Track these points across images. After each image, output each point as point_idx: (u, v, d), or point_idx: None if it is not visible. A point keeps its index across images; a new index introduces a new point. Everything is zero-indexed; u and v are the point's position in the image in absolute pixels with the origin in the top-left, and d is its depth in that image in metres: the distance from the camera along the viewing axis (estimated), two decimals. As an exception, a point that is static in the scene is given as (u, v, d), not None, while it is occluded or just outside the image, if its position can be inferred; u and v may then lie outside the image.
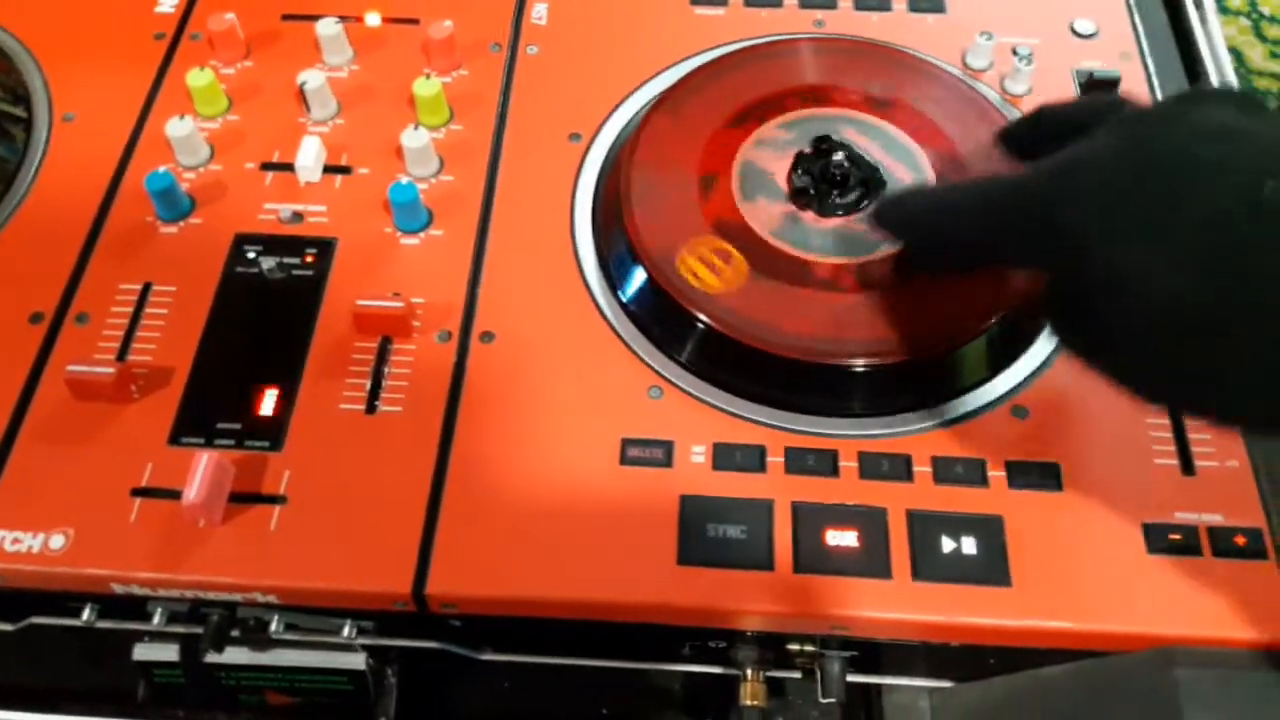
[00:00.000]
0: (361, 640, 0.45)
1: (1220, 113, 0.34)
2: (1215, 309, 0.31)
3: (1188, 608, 0.41)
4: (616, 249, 0.50)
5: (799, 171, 0.50)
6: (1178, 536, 0.42)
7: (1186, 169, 0.32)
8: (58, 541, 0.42)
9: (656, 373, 0.47)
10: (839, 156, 0.50)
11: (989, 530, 0.42)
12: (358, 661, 0.46)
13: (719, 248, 0.46)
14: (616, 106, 0.56)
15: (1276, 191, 0.30)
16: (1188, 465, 0.44)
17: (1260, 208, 0.30)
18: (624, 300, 0.49)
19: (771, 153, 0.51)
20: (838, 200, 0.49)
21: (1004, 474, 0.44)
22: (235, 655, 0.46)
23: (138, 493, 0.43)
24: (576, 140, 0.55)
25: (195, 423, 0.45)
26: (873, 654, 0.45)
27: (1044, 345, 0.48)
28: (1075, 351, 0.38)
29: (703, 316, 0.46)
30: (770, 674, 0.46)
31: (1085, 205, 0.34)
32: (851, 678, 0.45)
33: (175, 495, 0.42)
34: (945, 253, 0.43)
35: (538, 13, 0.60)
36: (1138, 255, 0.32)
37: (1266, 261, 0.30)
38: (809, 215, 0.49)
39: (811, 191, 0.49)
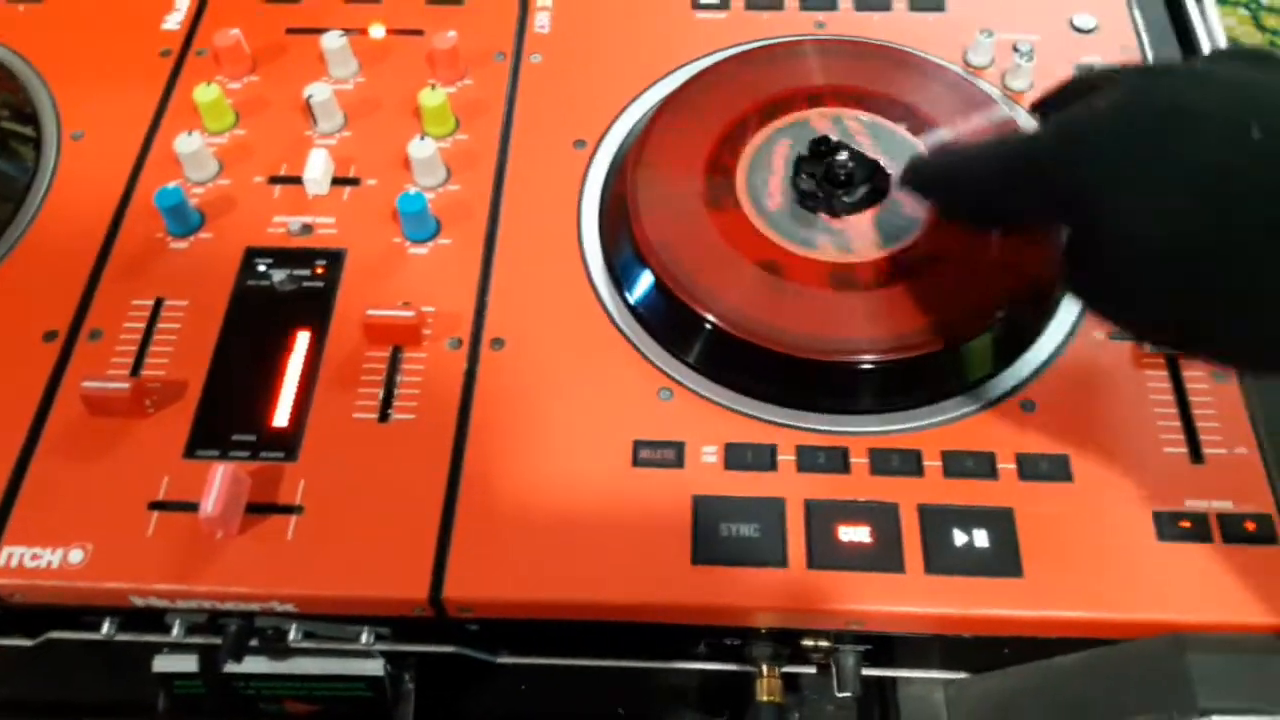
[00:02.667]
0: (379, 646, 0.45)
1: (1219, 66, 0.36)
2: (1209, 248, 0.33)
3: (1199, 594, 0.41)
4: (623, 253, 0.50)
5: (802, 174, 0.51)
6: (1188, 524, 0.42)
7: (1175, 116, 0.34)
8: (76, 556, 0.42)
9: (666, 374, 0.47)
10: (843, 156, 0.50)
11: (1000, 522, 0.43)
12: (376, 668, 0.47)
13: None
14: (620, 112, 0.57)
15: (1262, 134, 0.31)
16: (1196, 453, 0.44)
17: (1245, 150, 0.32)
18: (632, 303, 0.49)
19: (776, 153, 0.52)
20: (844, 200, 0.50)
21: (1014, 466, 0.44)
22: (254, 664, 0.47)
23: (155, 506, 0.44)
24: (581, 147, 0.55)
25: (210, 435, 0.45)
26: (887, 647, 0.46)
27: (1050, 339, 0.48)
28: (1093, 306, 0.39)
29: (710, 317, 0.47)
30: (786, 669, 0.46)
31: (1086, 157, 0.36)
32: (866, 671, 0.45)
33: (192, 508, 0.42)
34: (968, 211, 0.45)
35: (540, 21, 0.61)
36: (1135, 201, 0.34)
37: (1252, 201, 0.32)
38: (814, 215, 0.49)
39: (818, 193, 0.50)
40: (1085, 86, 0.41)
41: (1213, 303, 0.34)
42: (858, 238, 0.49)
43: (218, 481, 0.41)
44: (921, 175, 0.45)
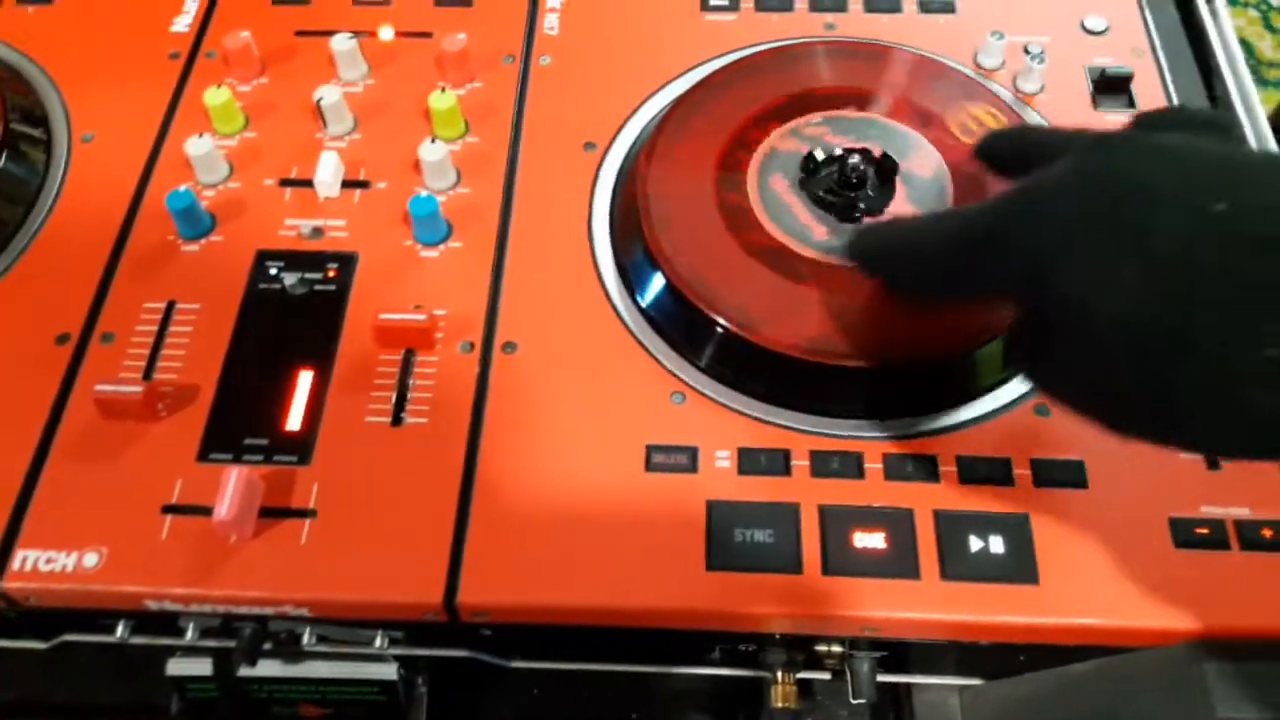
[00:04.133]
0: (393, 650, 0.45)
1: (1179, 138, 0.35)
2: (1161, 331, 0.31)
3: (1216, 601, 0.41)
4: (634, 256, 0.50)
5: (815, 176, 0.50)
6: (1205, 530, 0.42)
7: (1136, 193, 0.32)
8: (91, 560, 0.42)
9: (678, 378, 0.47)
10: (854, 160, 0.50)
11: (1016, 529, 0.42)
12: (389, 671, 0.46)
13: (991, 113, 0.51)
14: (630, 115, 0.56)
15: (1226, 207, 0.30)
16: (1213, 460, 0.44)
17: (1207, 224, 0.30)
18: (644, 307, 0.49)
19: (787, 156, 0.51)
20: (857, 202, 0.49)
21: (1029, 472, 0.44)
22: (268, 668, 0.47)
23: (168, 510, 0.44)
24: (591, 149, 0.55)
25: (223, 439, 0.45)
26: (902, 653, 0.45)
27: (1064, 342, 0.48)
28: (1040, 386, 0.38)
29: (722, 321, 0.46)
30: (800, 675, 0.46)
31: (1041, 233, 0.34)
32: (881, 677, 0.45)
33: (206, 511, 0.42)
34: (918, 286, 0.42)
35: (549, 23, 0.61)
36: (1088, 280, 0.33)
37: (1216, 275, 0.30)
38: (826, 218, 0.49)
39: (831, 198, 0.50)
40: (1033, 147, 0.39)
41: (1174, 384, 0.32)
42: (871, 241, 0.49)
43: (231, 485, 0.41)
44: (869, 248, 0.43)
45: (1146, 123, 0.39)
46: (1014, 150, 0.42)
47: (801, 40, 0.58)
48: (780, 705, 0.44)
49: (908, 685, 0.48)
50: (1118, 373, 0.33)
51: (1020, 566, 0.42)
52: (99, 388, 0.45)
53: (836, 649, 0.45)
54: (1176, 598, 0.41)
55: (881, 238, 0.43)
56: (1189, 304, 0.30)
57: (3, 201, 0.53)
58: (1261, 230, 0.29)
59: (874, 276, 0.44)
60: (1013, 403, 0.46)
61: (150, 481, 0.44)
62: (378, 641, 0.45)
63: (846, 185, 0.50)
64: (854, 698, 0.44)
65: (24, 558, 0.43)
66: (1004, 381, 0.47)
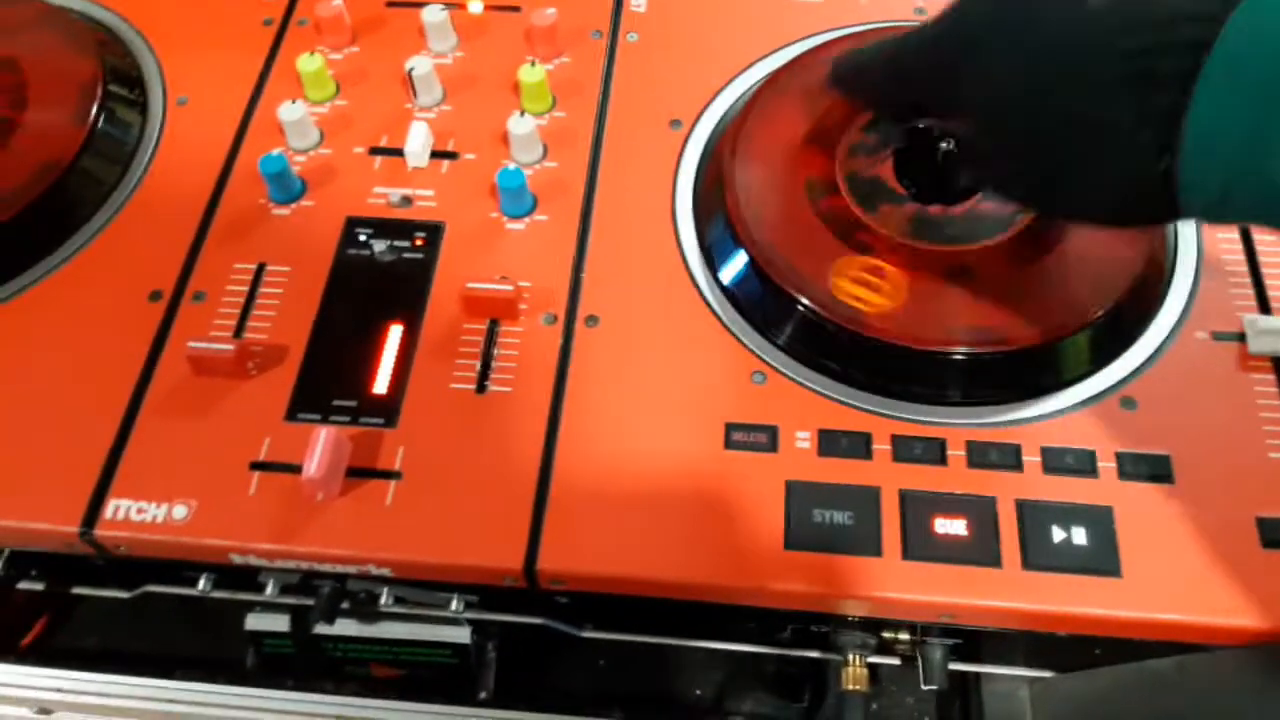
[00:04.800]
0: (468, 614, 0.46)
1: None
2: (1049, 113, 0.36)
3: (1304, 604, 0.40)
4: (717, 234, 0.50)
5: (905, 160, 0.50)
6: (1295, 532, 0.42)
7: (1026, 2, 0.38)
8: (180, 512, 0.43)
9: (759, 358, 0.47)
10: (946, 145, 0.49)
11: (1099, 520, 0.42)
12: (462, 635, 0.47)
13: (868, 265, 0.47)
14: (716, 94, 0.56)
15: (1097, 9, 0.35)
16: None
17: (1082, 22, 0.35)
18: (726, 285, 0.49)
19: (877, 139, 0.51)
20: (945, 188, 0.49)
21: (1114, 465, 0.43)
22: (344, 627, 0.48)
23: (256, 466, 0.44)
24: (677, 127, 0.55)
25: (311, 399, 0.46)
26: (974, 642, 0.45)
27: (1152, 337, 0.47)
28: (981, 181, 0.44)
29: (805, 301, 0.46)
30: (869, 660, 0.46)
31: (960, 44, 0.40)
32: (951, 666, 0.45)
33: (293, 469, 0.43)
34: (874, 103, 0.49)
35: (637, 0, 0.61)
36: (992, 78, 0.38)
37: (1082, 70, 0.35)
38: (914, 202, 0.49)
39: (922, 180, 0.49)
40: None
41: (1061, 156, 0.37)
42: (959, 226, 0.48)
43: (321, 444, 0.42)
44: (837, 73, 0.48)
45: None
46: None
47: (891, 24, 0.58)
48: (851, 687, 0.44)
49: (976, 675, 0.48)
50: (1020, 151, 0.39)
51: (1103, 558, 0.41)
52: (191, 344, 0.46)
53: (906, 635, 0.45)
54: (1263, 598, 0.40)
55: (849, 63, 0.47)
56: (1070, 88, 0.35)
57: (100, 161, 0.54)
58: (1128, 17, 0.34)
59: (845, 92, 0.48)
60: (1098, 395, 0.45)
61: (239, 438, 0.45)
62: (453, 605, 0.45)
63: (936, 170, 0.49)
64: (925, 684, 0.44)
65: (116, 507, 0.44)
66: (1090, 373, 0.46)
